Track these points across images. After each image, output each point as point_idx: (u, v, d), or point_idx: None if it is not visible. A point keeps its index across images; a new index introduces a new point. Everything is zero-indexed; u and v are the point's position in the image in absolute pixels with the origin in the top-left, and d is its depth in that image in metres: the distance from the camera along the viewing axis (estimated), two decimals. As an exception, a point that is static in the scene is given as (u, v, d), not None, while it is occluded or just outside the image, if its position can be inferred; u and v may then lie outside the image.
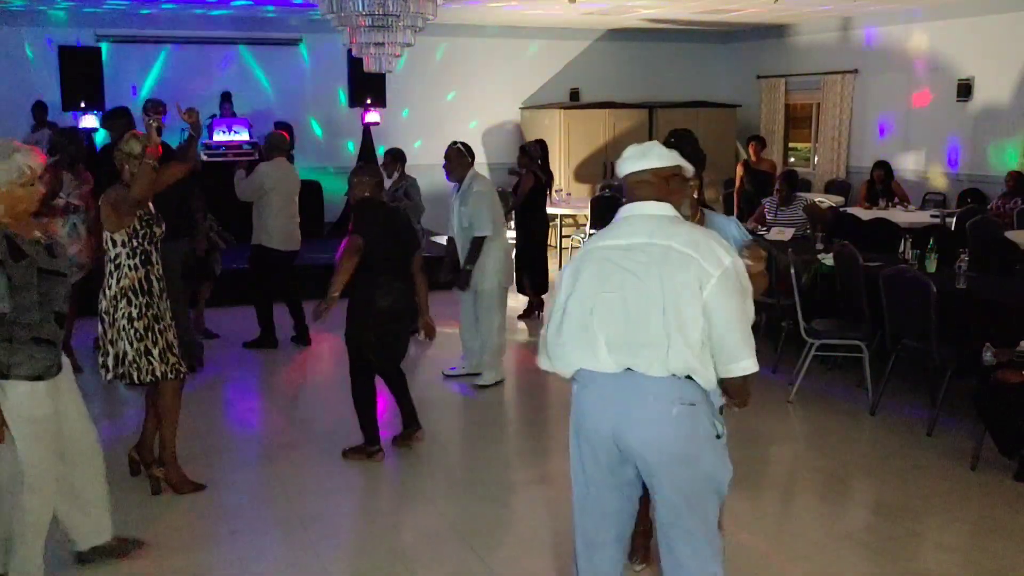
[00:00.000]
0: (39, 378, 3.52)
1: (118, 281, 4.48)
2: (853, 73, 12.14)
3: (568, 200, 11.41)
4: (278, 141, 7.70)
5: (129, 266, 4.47)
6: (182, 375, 4.69)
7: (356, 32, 7.52)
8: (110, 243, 4.51)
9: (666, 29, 13.23)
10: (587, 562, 3.03)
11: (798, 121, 13.54)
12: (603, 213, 9.86)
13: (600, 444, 2.86)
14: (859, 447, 5.68)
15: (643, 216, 2.87)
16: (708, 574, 2.88)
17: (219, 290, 7.97)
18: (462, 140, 6.76)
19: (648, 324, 2.72)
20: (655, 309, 2.71)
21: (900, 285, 5.84)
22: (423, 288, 5.31)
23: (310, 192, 11.63)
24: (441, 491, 5.01)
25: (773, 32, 13.35)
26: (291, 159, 7.99)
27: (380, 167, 7.19)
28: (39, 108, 10.58)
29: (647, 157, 2.93)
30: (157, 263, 4.59)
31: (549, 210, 11.02)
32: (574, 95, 13.61)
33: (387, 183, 7.05)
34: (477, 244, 6.38)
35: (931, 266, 6.46)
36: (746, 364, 2.74)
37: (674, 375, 2.73)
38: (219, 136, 10.93)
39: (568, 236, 11.66)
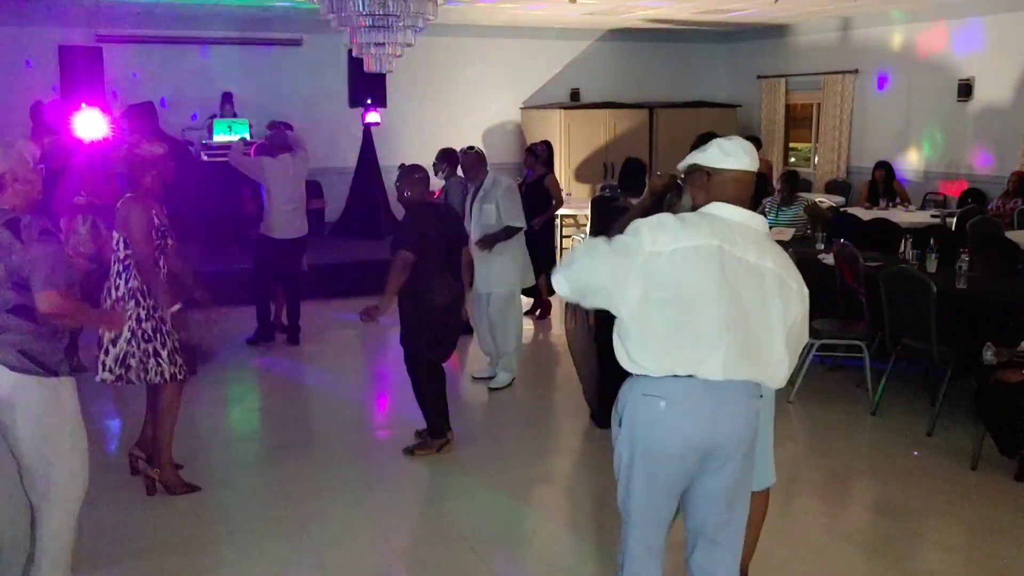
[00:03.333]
0: (72, 373, 3.51)
1: (126, 282, 4.49)
2: (853, 73, 12.13)
3: (568, 200, 11.38)
4: (280, 140, 7.83)
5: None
6: (186, 378, 4.71)
7: (356, 32, 7.51)
8: (121, 244, 4.52)
9: (666, 29, 13.22)
10: (645, 567, 2.95)
11: (798, 121, 13.53)
12: (603, 213, 9.84)
13: (686, 453, 2.76)
14: (859, 447, 5.67)
15: (750, 230, 2.76)
16: (735, 570, 2.96)
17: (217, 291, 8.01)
18: (472, 144, 6.84)
19: (762, 348, 2.73)
20: (770, 335, 2.73)
21: (900, 285, 5.84)
22: (468, 281, 5.46)
23: (310, 192, 11.66)
24: (441, 491, 5.01)
25: (773, 32, 13.35)
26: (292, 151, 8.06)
27: (433, 166, 7.36)
28: (38, 109, 10.55)
29: (754, 157, 2.83)
30: (163, 268, 4.60)
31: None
32: (574, 95, 13.61)
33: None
34: (510, 232, 6.49)
35: (931, 266, 6.45)
36: (779, 381, 2.86)
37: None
38: (219, 136, 10.93)
39: (568, 236, 11.64)
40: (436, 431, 5.36)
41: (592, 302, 2.78)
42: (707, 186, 2.80)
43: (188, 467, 5.03)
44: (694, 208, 2.82)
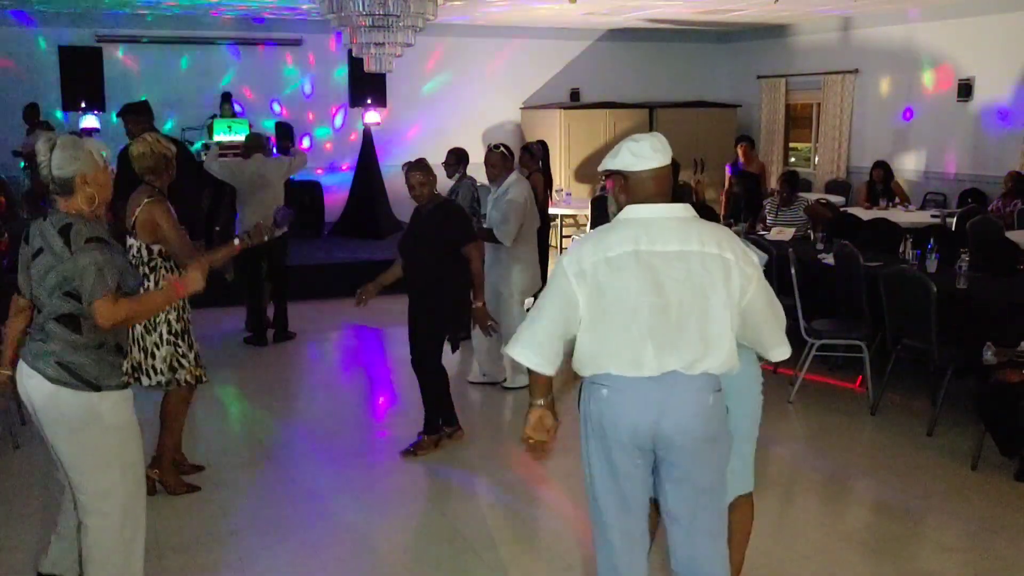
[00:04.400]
0: (126, 386, 3.35)
1: (156, 285, 4.48)
2: (853, 73, 12.13)
3: (568, 200, 11.40)
4: (253, 141, 7.93)
5: (167, 268, 4.53)
6: (203, 381, 4.76)
7: (356, 32, 7.52)
8: (145, 250, 4.51)
9: (666, 29, 13.23)
10: (629, 556, 2.99)
11: (798, 121, 13.54)
12: (603, 213, 9.84)
13: (638, 441, 2.83)
14: (859, 447, 5.67)
15: (670, 219, 2.82)
16: (722, 565, 2.95)
17: (217, 290, 8.02)
18: (503, 142, 6.68)
19: (695, 331, 2.76)
20: (701, 317, 2.76)
21: (900, 285, 5.84)
22: (479, 280, 5.46)
23: (310, 192, 11.67)
24: (441, 491, 5.01)
25: (773, 32, 13.35)
26: (284, 150, 8.11)
27: (443, 165, 7.28)
28: (32, 110, 10.54)
29: (665, 151, 2.87)
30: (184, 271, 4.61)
31: (550, 210, 11.06)
32: (574, 95, 13.62)
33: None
34: (492, 239, 6.27)
35: (931, 266, 6.45)
36: (782, 350, 3.02)
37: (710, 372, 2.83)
38: (219, 136, 10.94)
39: (568, 236, 11.65)
40: (432, 428, 5.38)
41: (580, 352, 2.88)
42: (625, 188, 2.88)
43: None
44: (619, 209, 2.91)
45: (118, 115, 7.03)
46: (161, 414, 4.76)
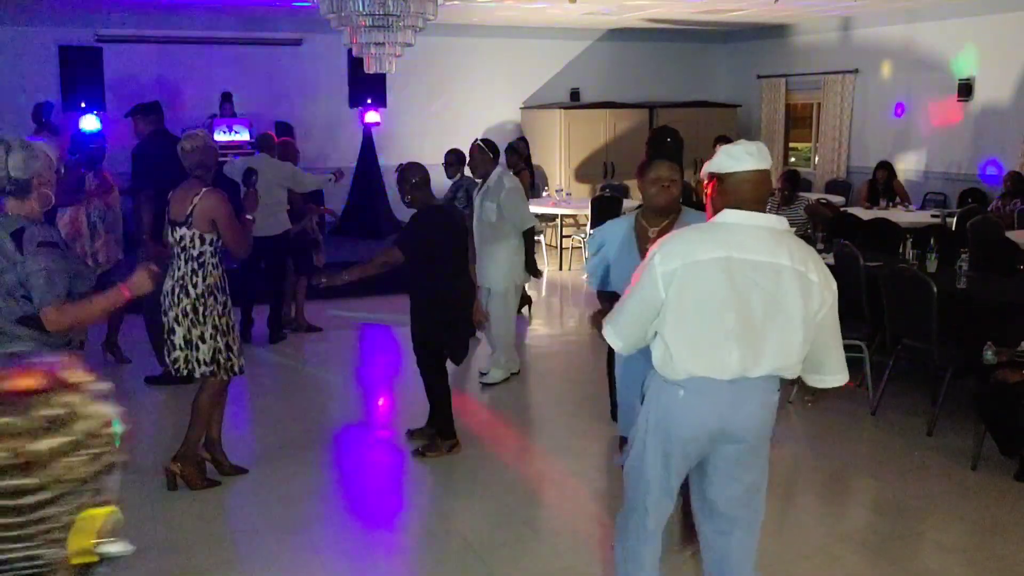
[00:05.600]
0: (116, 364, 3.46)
1: (204, 279, 4.57)
2: (853, 73, 12.13)
3: (568, 200, 11.40)
4: (262, 140, 8.09)
5: (213, 264, 4.60)
6: (239, 373, 4.85)
7: (356, 32, 7.51)
8: (197, 240, 4.56)
9: (666, 29, 13.23)
10: (656, 542, 3.14)
11: (799, 121, 13.54)
12: (603, 213, 9.85)
13: (700, 440, 2.92)
14: (859, 447, 5.67)
15: (764, 229, 2.83)
16: (753, 560, 3.08)
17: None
18: (485, 137, 6.83)
19: (777, 340, 2.81)
20: (784, 327, 2.81)
21: (901, 285, 5.84)
22: (474, 278, 5.48)
23: (310, 192, 11.64)
24: (441, 491, 5.01)
25: (773, 32, 13.35)
26: (284, 155, 8.09)
27: (444, 166, 7.37)
28: (40, 110, 10.54)
29: (761, 156, 2.87)
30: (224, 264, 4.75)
31: (549, 210, 11.09)
32: (574, 95, 13.62)
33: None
34: (529, 236, 6.65)
35: (932, 266, 6.45)
36: (842, 377, 3.05)
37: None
38: (219, 136, 10.94)
39: (568, 236, 11.65)
40: (446, 433, 5.35)
41: (648, 338, 2.93)
42: (721, 190, 2.89)
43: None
44: (715, 212, 2.93)
45: (128, 115, 7.04)
46: (192, 407, 4.79)
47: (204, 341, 4.58)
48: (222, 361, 4.65)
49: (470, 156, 6.69)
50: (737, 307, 2.77)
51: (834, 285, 2.92)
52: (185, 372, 4.65)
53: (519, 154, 8.91)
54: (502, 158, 7.03)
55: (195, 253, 4.56)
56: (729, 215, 2.84)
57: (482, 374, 6.80)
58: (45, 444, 1.05)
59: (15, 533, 1.06)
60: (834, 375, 3.03)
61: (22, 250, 3.13)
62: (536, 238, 11.21)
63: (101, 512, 1.14)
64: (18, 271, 3.14)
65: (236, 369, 4.75)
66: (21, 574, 1.06)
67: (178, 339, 4.58)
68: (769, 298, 2.78)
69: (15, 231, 3.15)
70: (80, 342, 3.33)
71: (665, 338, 2.84)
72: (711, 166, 2.91)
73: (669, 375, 2.88)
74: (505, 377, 6.70)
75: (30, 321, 3.18)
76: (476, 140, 6.72)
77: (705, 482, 3.04)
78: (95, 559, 1.12)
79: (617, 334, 2.96)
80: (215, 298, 4.61)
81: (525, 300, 8.82)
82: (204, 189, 4.58)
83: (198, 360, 4.60)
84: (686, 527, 4.00)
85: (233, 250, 4.64)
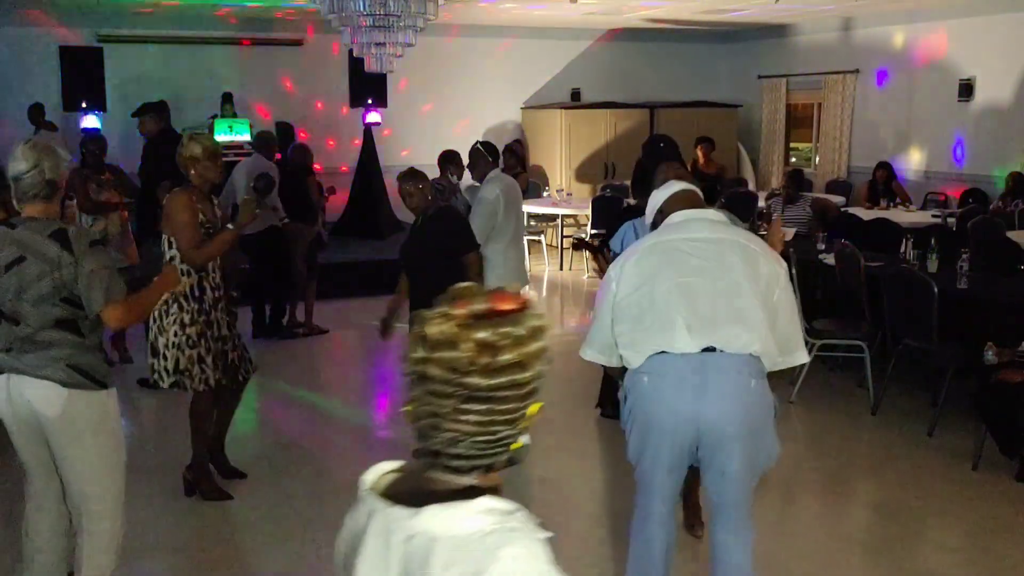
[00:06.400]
0: (121, 363, 3.47)
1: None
2: (854, 73, 12.13)
3: (569, 200, 11.40)
4: (257, 139, 8.11)
5: (182, 270, 4.32)
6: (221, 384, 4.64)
7: (357, 32, 7.51)
8: (167, 244, 4.44)
9: (666, 29, 13.22)
10: (652, 534, 3.17)
11: (799, 121, 13.53)
12: (604, 213, 9.86)
13: (678, 427, 2.95)
14: (859, 447, 5.67)
15: (701, 219, 3.09)
16: (750, 551, 3.14)
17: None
18: (485, 140, 6.69)
19: (726, 307, 2.89)
20: (731, 293, 2.90)
21: (901, 285, 5.84)
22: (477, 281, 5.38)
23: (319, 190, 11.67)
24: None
25: (774, 32, 13.35)
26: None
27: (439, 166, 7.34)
28: (36, 110, 10.54)
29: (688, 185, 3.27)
30: (213, 272, 4.52)
31: (550, 210, 11.10)
32: (575, 95, 13.61)
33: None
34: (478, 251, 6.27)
35: (932, 266, 6.45)
36: (801, 355, 3.11)
37: (750, 353, 2.92)
38: (219, 136, 10.94)
39: (569, 236, 11.64)
40: None
41: (621, 343, 3.07)
42: (664, 216, 3.21)
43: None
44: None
45: (135, 114, 7.06)
46: (191, 417, 4.71)
47: (169, 349, 4.41)
48: (193, 372, 4.44)
49: (470, 159, 6.50)
50: (675, 276, 2.91)
51: (783, 261, 3.06)
52: (153, 380, 4.53)
53: (516, 156, 8.93)
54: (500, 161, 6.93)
55: (167, 257, 4.41)
56: (677, 214, 3.14)
57: None
58: (534, 347, 1.36)
59: (512, 416, 1.38)
60: (799, 351, 3.12)
61: (71, 251, 3.06)
62: (537, 238, 11.28)
63: (537, 406, 1.43)
64: (64, 273, 3.05)
65: (210, 382, 4.49)
66: (498, 453, 1.40)
67: (148, 346, 4.52)
68: (711, 268, 2.91)
69: (54, 232, 3.09)
70: (100, 343, 3.30)
71: (617, 329, 3.01)
72: (653, 203, 3.24)
73: (633, 362, 3.01)
74: None
75: (67, 325, 3.12)
76: (476, 143, 6.54)
77: (707, 481, 3.11)
78: (523, 444, 1.45)
79: (588, 343, 3.19)
80: (180, 306, 4.39)
81: None
82: (174, 189, 4.49)
83: (165, 369, 4.44)
84: (694, 515, 4.16)
85: (183, 256, 4.37)
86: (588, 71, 13.65)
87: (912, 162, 11.50)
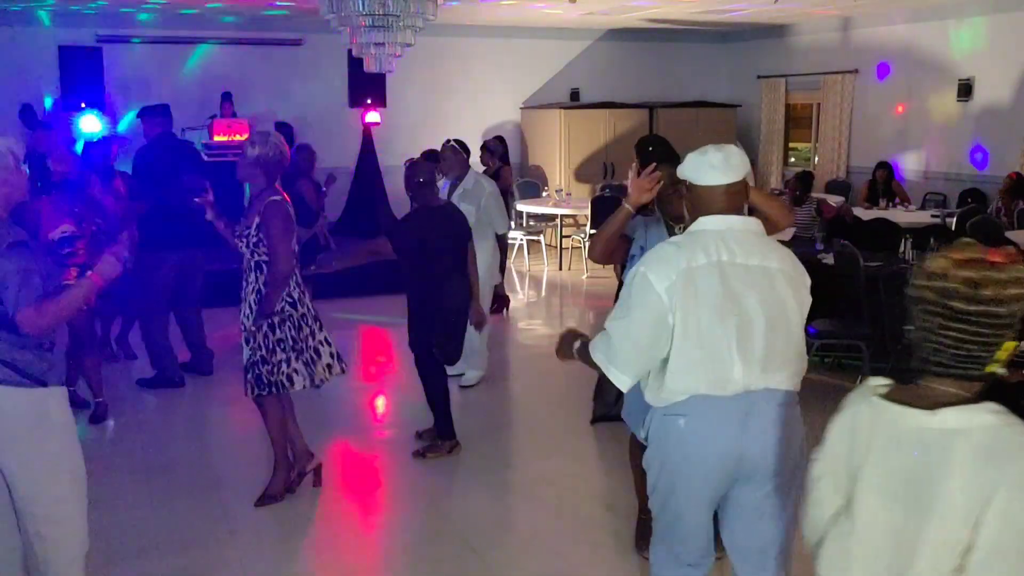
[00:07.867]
0: (63, 383, 3.24)
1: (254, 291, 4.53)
2: (853, 73, 12.14)
3: (568, 200, 11.40)
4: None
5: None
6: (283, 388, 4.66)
7: (356, 32, 7.51)
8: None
9: (666, 29, 13.23)
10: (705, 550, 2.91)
11: (798, 121, 13.54)
12: (603, 213, 9.85)
13: (722, 468, 2.72)
14: (859, 447, 5.66)
15: (745, 232, 2.71)
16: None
17: (216, 289, 7.99)
18: (456, 138, 6.76)
19: (782, 348, 2.68)
20: (787, 333, 2.69)
21: (901, 285, 5.83)
22: (475, 278, 5.41)
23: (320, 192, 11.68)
24: (441, 491, 5.01)
25: (773, 32, 13.35)
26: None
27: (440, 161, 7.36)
28: (27, 112, 10.53)
29: (737, 168, 2.74)
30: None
31: (549, 210, 11.11)
32: (574, 95, 13.62)
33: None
34: (503, 242, 6.64)
35: (932, 266, 6.44)
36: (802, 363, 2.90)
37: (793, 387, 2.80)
38: (219, 136, 10.94)
39: (568, 236, 11.65)
40: (446, 433, 5.35)
41: (656, 364, 2.70)
42: (693, 198, 2.76)
43: (189, 469, 5.04)
44: (690, 217, 2.79)
45: (137, 116, 7.05)
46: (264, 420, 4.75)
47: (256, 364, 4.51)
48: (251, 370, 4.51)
49: (442, 157, 6.51)
50: (737, 312, 2.61)
51: (808, 281, 2.83)
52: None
53: (493, 153, 8.97)
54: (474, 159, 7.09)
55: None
56: (706, 222, 2.70)
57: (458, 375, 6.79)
58: (1012, 291, 1.73)
59: (984, 340, 1.79)
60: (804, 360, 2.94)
61: None
62: (536, 238, 11.30)
63: (1012, 344, 1.80)
64: None
65: (280, 384, 4.53)
66: (970, 368, 1.84)
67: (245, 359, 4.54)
68: (766, 302, 2.64)
69: None
70: (51, 343, 3.15)
71: (659, 350, 2.65)
72: (683, 171, 2.78)
73: (667, 400, 2.69)
74: (479, 380, 6.67)
75: (2, 321, 3.02)
76: (448, 141, 6.59)
77: (730, 521, 2.87)
78: (994, 370, 1.85)
79: (622, 369, 2.68)
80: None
81: (504, 301, 8.79)
82: (275, 201, 4.46)
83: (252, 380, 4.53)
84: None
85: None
86: (587, 71, 13.66)
87: (911, 162, 11.51)
